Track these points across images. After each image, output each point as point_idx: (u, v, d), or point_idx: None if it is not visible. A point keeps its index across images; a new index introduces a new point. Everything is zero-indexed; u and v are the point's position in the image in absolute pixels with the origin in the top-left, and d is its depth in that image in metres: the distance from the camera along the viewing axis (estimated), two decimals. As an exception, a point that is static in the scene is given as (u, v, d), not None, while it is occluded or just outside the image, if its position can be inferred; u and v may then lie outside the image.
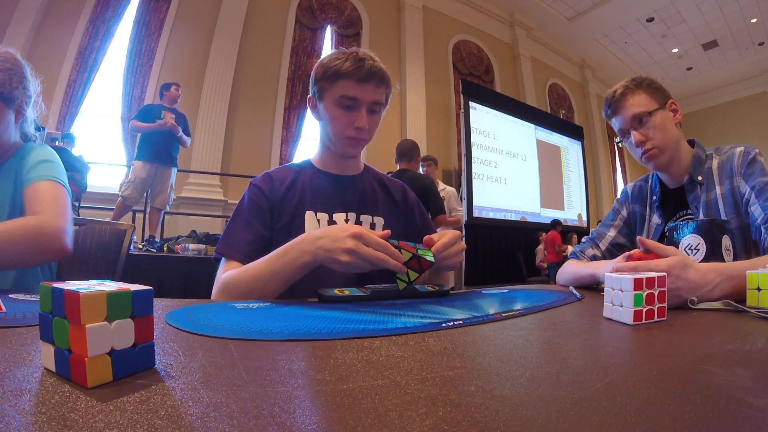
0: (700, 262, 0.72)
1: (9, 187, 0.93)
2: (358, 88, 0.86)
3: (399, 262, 0.64)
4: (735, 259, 0.77)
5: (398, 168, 2.84)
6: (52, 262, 0.95)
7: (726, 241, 0.76)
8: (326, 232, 0.68)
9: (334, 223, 0.91)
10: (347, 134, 0.90)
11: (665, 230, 1.00)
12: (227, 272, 0.80)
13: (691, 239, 0.76)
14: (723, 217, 0.94)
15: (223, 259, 0.86)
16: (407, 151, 2.82)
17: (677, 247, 0.78)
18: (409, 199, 1.06)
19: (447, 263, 0.75)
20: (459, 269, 5.47)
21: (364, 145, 0.94)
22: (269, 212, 0.90)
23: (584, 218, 7.87)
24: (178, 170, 3.86)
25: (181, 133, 3.39)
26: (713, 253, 0.73)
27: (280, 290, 0.73)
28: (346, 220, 0.92)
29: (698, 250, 0.75)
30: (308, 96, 0.96)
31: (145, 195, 3.49)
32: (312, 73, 0.93)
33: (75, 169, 3.42)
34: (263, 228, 0.88)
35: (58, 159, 0.99)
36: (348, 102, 0.87)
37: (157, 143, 3.31)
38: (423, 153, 6.42)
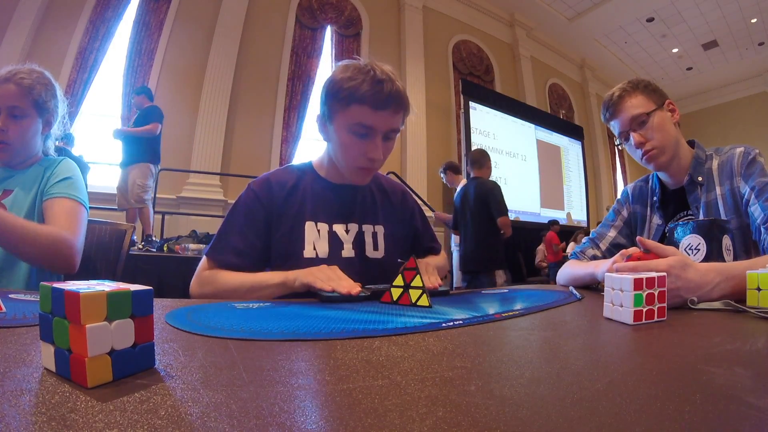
0: (701, 262, 0.72)
1: (32, 191, 1.00)
2: (374, 116, 0.79)
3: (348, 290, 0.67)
4: (735, 259, 0.77)
5: (471, 175, 3.10)
6: (58, 273, 1.00)
7: (726, 241, 0.76)
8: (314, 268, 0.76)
9: (335, 234, 0.90)
10: (359, 164, 0.84)
11: (665, 230, 1.00)
12: (213, 270, 0.84)
13: (691, 239, 0.76)
14: (723, 217, 0.94)
15: (205, 257, 0.86)
16: (477, 159, 3.08)
17: (677, 247, 0.78)
18: (408, 202, 1.07)
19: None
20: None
21: (374, 174, 0.91)
22: (264, 221, 0.87)
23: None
24: (179, 170, 3.87)
25: (129, 128, 3.61)
26: (713, 253, 0.73)
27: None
28: (347, 231, 0.91)
29: (698, 250, 0.75)
30: (318, 115, 0.88)
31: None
32: (323, 88, 0.84)
33: None
34: (256, 238, 0.86)
35: (80, 176, 1.07)
36: (362, 130, 0.80)
37: (124, 148, 3.59)
38: (422, 153, 6.45)
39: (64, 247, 0.90)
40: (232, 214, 0.88)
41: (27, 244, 0.86)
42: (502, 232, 2.88)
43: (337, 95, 0.79)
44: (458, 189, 3.21)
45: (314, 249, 0.87)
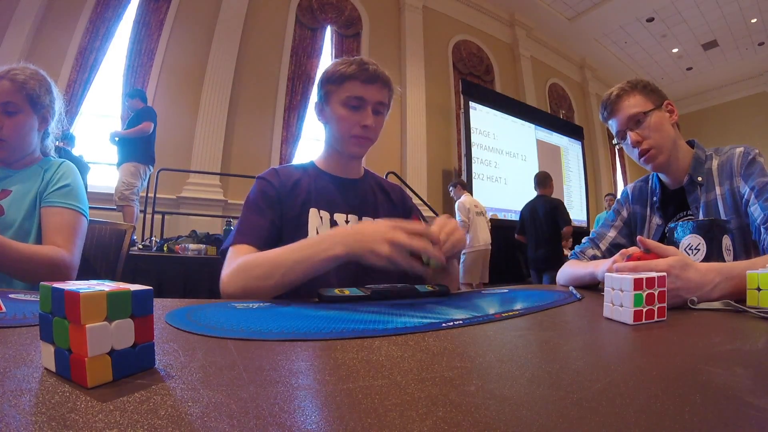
0: (701, 262, 0.72)
1: (31, 192, 1.00)
2: (364, 88, 0.90)
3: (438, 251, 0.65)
4: (735, 259, 0.77)
5: (537, 193, 3.91)
6: None
7: (726, 241, 0.76)
8: (362, 227, 0.70)
9: (335, 222, 0.92)
10: (354, 133, 0.92)
11: (665, 231, 1.00)
12: (245, 256, 0.78)
13: (691, 239, 0.77)
14: (723, 217, 0.94)
15: (231, 247, 0.83)
16: (541, 180, 3.91)
17: (677, 247, 0.78)
18: (407, 201, 1.10)
19: (452, 253, 0.73)
20: (459, 269, 5.46)
21: (369, 146, 0.96)
22: (278, 202, 0.91)
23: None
24: (179, 170, 3.89)
25: (122, 131, 3.71)
26: (713, 253, 0.73)
27: (298, 282, 0.71)
28: (347, 221, 0.94)
29: (698, 250, 0.75)
30: (315, 102, 0.98)
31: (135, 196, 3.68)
32: (318, 79, 0.97)
33: None
34: (274, 215, 0.89)
35: (80, 180, 1.06)
36: (354, 102, 0.91)
37: (119, 148, 3.69)
38: (422, 153, 6.53)
39: (61, 269, 0.91)
40: (249, 202, 0.91)
41: (22, 268, 0.87)
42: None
43: (331, 78, 0.92)
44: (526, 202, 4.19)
45: (317, 234, 0.90)
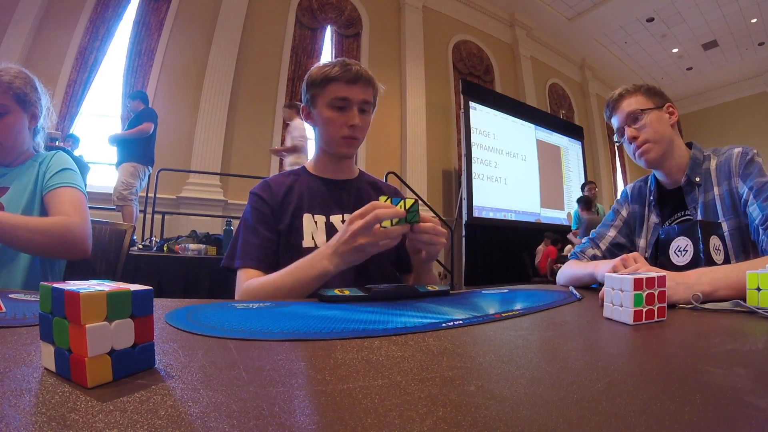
0: (688, 262, 0.73)
1: (29, 186, 1.01)
2: (348, 89, 0.92)
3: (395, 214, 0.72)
4: (729, 259, 0.78)
5: (583, 211, 5.32)
6: (72, 259, 1.02)
7: (715, 241, 0.76)
8: (332, 240, 0.76)
9: (332, 225, 0.94)
10: (342, 134, 0.94)
11: (659, 233, 1.01)
12: (250, 280, 0.84)
13: (679, 241, 0.78)
14: (721, 217, 0.94)
15: (238, 271, 0.89)
16: (587, 202, 5.27)
17: (668, 248, 0.79)
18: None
19: (426, 242, 0.77)
20: (459, 269, 5.50)
21: (358, 145, 0.98)
22: (271, 216, 0.94)
23: (573, 217, 7.88)
24: (179, 170, 3.92)
25: (122, 132, 3.74)
26: (701, 254, 0.74)
27: (300, 298, 0.77)
28: (343, 221, 0.94)
29: (686, 251, 0.76)
30: (302, 106, 1.01)
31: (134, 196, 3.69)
32: (303, 83, 0.99)
33: None
34: (268, 231, 0.92)
35: (76, 166, 1.08)
36: (340, 103, 0.92)
37: (118, 149, 3.70)
38: (422, 153, 6.62)
39: (76, 232, 0.93)
40: (244, 221, 0.95)
41: (39, 239, 0.88)
42: None
43: (315, 81, 0.94)
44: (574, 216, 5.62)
45: (312, 239, 0.92)
